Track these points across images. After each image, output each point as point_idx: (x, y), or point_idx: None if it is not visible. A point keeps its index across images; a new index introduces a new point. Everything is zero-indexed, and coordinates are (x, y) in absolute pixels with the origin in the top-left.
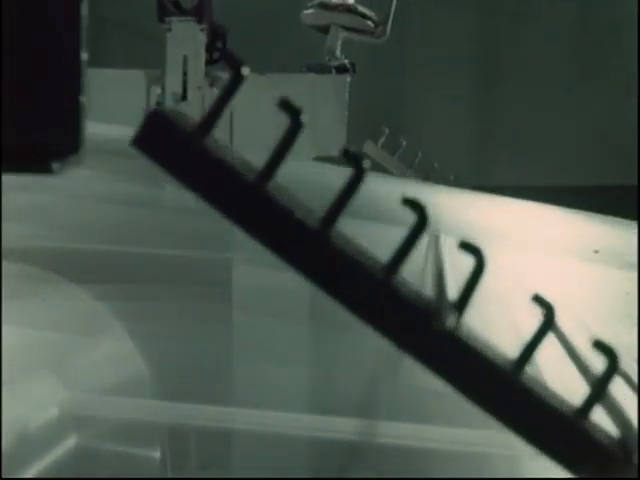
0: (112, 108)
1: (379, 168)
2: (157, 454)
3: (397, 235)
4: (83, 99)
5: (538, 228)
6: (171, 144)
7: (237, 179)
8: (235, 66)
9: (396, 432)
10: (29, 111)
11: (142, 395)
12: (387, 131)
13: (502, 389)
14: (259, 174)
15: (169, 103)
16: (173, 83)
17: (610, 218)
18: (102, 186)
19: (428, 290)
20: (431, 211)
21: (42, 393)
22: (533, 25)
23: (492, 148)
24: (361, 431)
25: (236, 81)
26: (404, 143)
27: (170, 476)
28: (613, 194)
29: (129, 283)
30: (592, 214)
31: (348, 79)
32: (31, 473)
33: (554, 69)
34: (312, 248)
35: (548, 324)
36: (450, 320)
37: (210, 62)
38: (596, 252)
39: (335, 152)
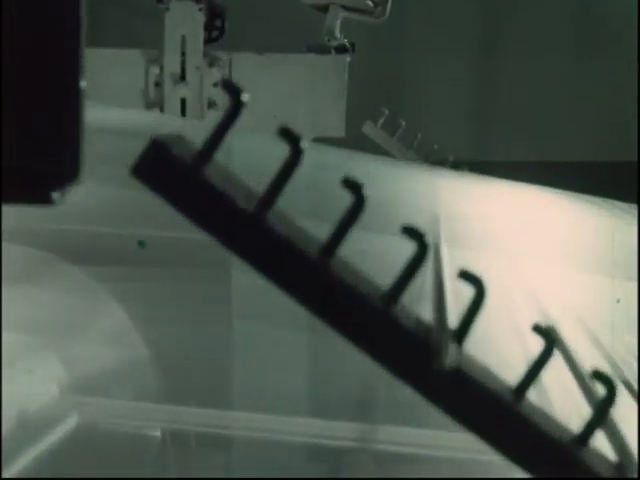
0: (109, 88)
1: (379, 149)
2: (158, 433)
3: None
4: (82, 125)
5: (539, 228)
6: (170, 174)
7: (235, 209)
8: (235, 94)
9: (394, 436)
10: (27, 139)
11: (141, 376)
12: (386, 112)
13: (501, 420)
14: (258, 202)
15: (168, 83)
16: (171, 63)
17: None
18: (101, 168)
19: (428, 308)
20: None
21: (43, 374)
22: (533, 3)
23: (492, 125)
24: (359, 435)
25: (236, 109)
26: (403, 124)
27: (171, 454)
28: (615, 171)
29: (128, 265)
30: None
31: (348, 59)
32: (32, 453)
33: (555, 46)
34: (311, 279)
35: (548, 353)
36: (450, 355)
37: (208, 41)
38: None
39: (334, 133)
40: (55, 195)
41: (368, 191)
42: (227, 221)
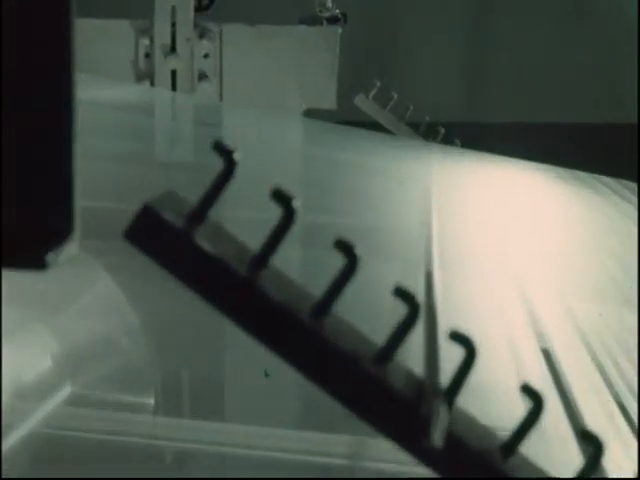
0: (98, 60)
1: (371, 122)
2: (151, 401)
3: None
4: (75, 180)
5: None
6: (161, 239)
7: (227, 273)
8: (227, 155)
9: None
10: (16, 197)
11: (133, 345)
12: (378, 84)
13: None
14: (251, 264)
15: (158, 55)
16: (161, 34)
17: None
18: (96, 142)
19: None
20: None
21: (36, 346)
22: None
23: (485, 87)
24: (353, 450)
25: (228, 171)
26: (395, 96)
27: (163, 420)
28: (611, 133)
29: (120, 240)
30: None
31: (339, 30)
32: (29, 424)
33: (548, 4)
34: (302, 342)
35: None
36: (441, 427)
37: (199, 9)
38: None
39: (325, 104)
40: (50, 257)
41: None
42: (219, 286)
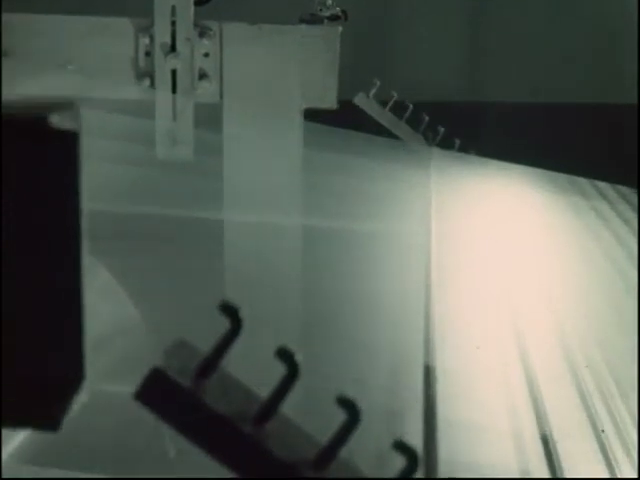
0: (98, 58)
1: (371, 122)
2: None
3: None
4: (84, 331)
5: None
6: (169, 401)
7: (233, 430)
8: (233, 315)
9: None
10: (30, 348)
11: (136, 340)
12: (378, 83)
13: None
14: (255, 419)
15: (158, 54)
16: (162, 33)
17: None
18: (100, 144)
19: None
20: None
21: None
22: None
23: (488, 66)
24: None
25: (235, 330)
26: (395, 95)
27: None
28: (615, 113)
29: (125, 240)
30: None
31: (340, 29)
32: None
33: None
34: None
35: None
36: None
37: (198, 3)
38: None
39: (326, 104)
40: (63, 415)
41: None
42: (225, 443)
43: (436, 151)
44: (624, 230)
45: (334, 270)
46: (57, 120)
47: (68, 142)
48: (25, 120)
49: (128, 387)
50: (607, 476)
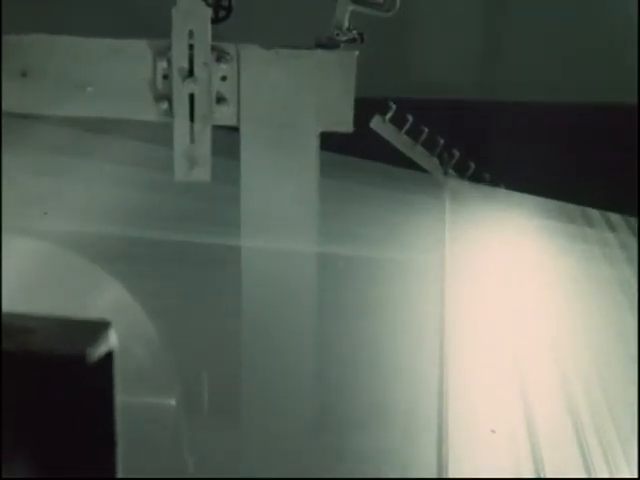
0: (116, 80)
1: (386, 146)
2: (173, 402)
3: None
4: None
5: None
6: None
7: None
8: None
9: None
10: None
11: (151, 349)
12: (394, 107)
13: None
14: None
15: (176, 78)
16: (179, 58)
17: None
18: (115, 169)
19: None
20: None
21: None
22: None
23: (503, 64)
24: None
25: None
26: (411, 118)
27: (185, 422)
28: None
29: (143, 264)
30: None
31: (356, 53)
32: None
33: None
34: None
35: None
36: None
37: (215, 21)
38: None
39: (342, 128)
40: None
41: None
42: None
43: (451, 180)
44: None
45: (348, 300)
46: (94, 353)
47: (103, 366)
48: (63, 357)
49: (142, 398)
50: None
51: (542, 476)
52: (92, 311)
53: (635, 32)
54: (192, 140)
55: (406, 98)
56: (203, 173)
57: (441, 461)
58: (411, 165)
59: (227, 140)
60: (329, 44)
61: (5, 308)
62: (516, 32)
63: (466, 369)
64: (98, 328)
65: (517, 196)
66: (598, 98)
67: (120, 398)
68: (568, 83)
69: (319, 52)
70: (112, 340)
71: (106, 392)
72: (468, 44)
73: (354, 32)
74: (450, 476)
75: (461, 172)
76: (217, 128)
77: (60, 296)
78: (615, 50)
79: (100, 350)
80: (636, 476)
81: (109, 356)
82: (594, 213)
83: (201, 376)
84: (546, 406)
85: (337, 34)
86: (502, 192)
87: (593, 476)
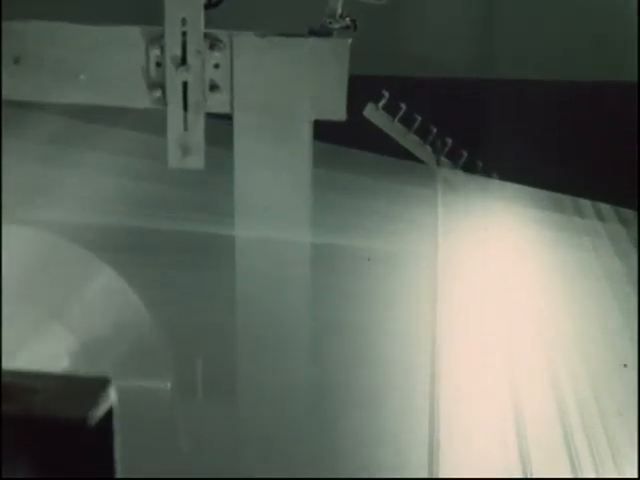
0: (109, 68)
1: (379, 134)
2: (168, 385)
3: None
4: None
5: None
6: None
7: None
8: None
9: None
10: None
11: (144, 333)
12: (387, 95)
13: None
14: None
15: (169, 66)
16: (172, 46)
17: None
18: (109, 158)
19: None
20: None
21: (53, 341)
22: None
23: (500, 42)
24: None
25: None
26: (404, 107)
27: (180, 405)
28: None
29: (142, 253)
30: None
31: (349, 41)
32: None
33: None
34: None
35: None
36: None
37: (208, 6)
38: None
39: (335, 116)
40: None
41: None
42: None
43: (443, 170)
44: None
45: (340, 289)
46: (95, 416)
47: (104, 424)
48: (65, 420)
49: (137, 381)
50: None
51: (530, 475)
52: (87, 297)
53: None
54: (185, 128)
55: (399, 76)
56: (196, 161)
57: (433, 445)
58: (402, 151)
59: (222, 130)
60: (322, 32)
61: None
62: (513, 9)
63: (458, 356)
64: (99, 386)
65: (509, 186)
66: (598, 77)
67: (116, 382)
68: (568, 61)
69: (312, 40)
70: (112, 397)
71: (107, 450)
72: (463, 20)
73: (347, 20)
74: (442, 464)
75: (454, 160)
76: (211, 117)
77: (55, 283)
78: (615, 26)
79: (101, 411)
80: (636, 476)
81: (109, 413)
82: (585, 203)
83: (196, 361)
84: (534, 397)
85: (330, 22)
86: (494, 182)
87: (580, 476)
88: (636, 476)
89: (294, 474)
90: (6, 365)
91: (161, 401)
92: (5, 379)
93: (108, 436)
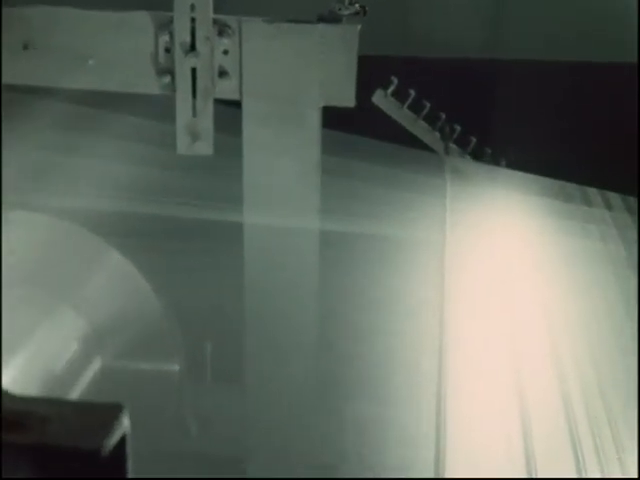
0: (117, 54)
1: (387, 120)
2: (176, 367)
3: None
4: None
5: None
6: None
7: None
8: None
9: None
10: None
11: (153, 316)
12: (396, 81)
13: None
14: None
15: (178, 52)
16: (181, 32)
17: None
18: (119, 145)
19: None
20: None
21: (65, 326)
22: None
23: (509, 22)
24: None
25: None
26: (413, 93)
27: (189, 388)
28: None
29: (150, 239)
30: None
31: (358, 27)
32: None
33: None
34: None
35: None
36: None
37: None
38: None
39: (344, 103)
40: None
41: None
42: None
43: (451, 159)
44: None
45: (349, 274)
46: (109, 444)
47: (117, 451)
48: (77, 451)
49: (144, 364)
50: None
51: (534, 474)
52: (96, 282)
53: None
54: (194, 114)
55: (409, 57)
56: (205, 147)
57: (439, 435)
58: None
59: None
60: (331, 18)
61: (13, 280)
62: None
63: (464, 344)
64: (112, 413)
65: (517, 175)
66: (610, 58)
67: (124, 364)
68: (580, 42)
69: (321, 26)
70: (126, 424)
71: (121, 478)
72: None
73: (356, 5)
74: (449, 448)
75: (462, 146)
76: (219, 103)
77: (66, 268)
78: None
79: (114, 439)
80: (636, 476)
81: (123, 440)
82: (593, 192)
83: (204, 345)
84: (540, 389)
85: (339, 8)
86: (502, 171)
87: (584, 476)
88: (636, 476)
89: (299, 459)
90: (16, 351)
91: (169, 384)
92: (18, 407)
93: (122, 464)
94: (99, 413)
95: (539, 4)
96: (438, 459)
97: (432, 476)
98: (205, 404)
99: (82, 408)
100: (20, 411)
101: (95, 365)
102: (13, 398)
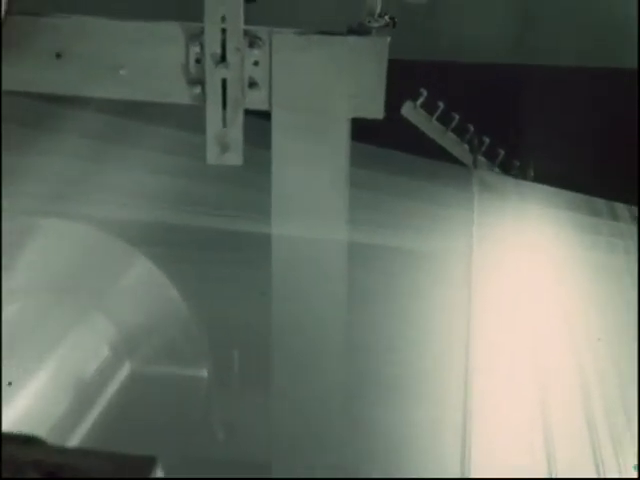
0: (148, 64)
1: (416, 132)
2: (204, 374)
3: None
4: None
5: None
6: None
7: None
8: None
9: None
10: None
11: (181, 322)
12: (425, 93)
13: None
14: None
15: (209, 63)
16: (212, 43)
17: None
18: (151, 156)
19: None
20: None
21: (95, 332)
22: None
23: (537, 27)
24: None
25: None
26: (442, 105)
27: (216, 394)
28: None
29: (180, 249)
30: None
31: (388, 39)
32: (94, 414)
33: None
34: None
35: None
36: None
37: (248, 0)
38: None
39: (373, 115)
40: None
41: None
42: None
43: (479, 172)
44: None
45: (376, 286)
46: None
47: None
48: None
49: (173, 369)
50: None
51: (554, 474)
52: (128, 290)
53: None
54: (224, 124)
55: (438, 61)
56: (235, 157)
57: (465, 444)
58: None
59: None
60: (361, 30)
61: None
62: None
63: (490, 356)
64: (147, 466)
65: (544, 189)
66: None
67: (154, 370)
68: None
69: (351, 38)
70: (159, 476)
71: None
72: (501, 7)
73: (386, 18)
74: (474, 456)
75: (491, 159)
76: (250, 114)
77: (98, 275)
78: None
79: None
80: (636, 476)
81: None
82: (619, 206)
83: (232, 352)
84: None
85: (369, 20)
86: (529, 184)
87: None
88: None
89: (324, 465)
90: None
91: (197, 390)
92: (57, 460)
93: None
94: (134, 466)
95: (570, 8)
96: (463, 466)
97: None
98: (232, 410)
99: (118, 461)
100: (56, 463)
101: (125, 371)
102: (49, 449)
